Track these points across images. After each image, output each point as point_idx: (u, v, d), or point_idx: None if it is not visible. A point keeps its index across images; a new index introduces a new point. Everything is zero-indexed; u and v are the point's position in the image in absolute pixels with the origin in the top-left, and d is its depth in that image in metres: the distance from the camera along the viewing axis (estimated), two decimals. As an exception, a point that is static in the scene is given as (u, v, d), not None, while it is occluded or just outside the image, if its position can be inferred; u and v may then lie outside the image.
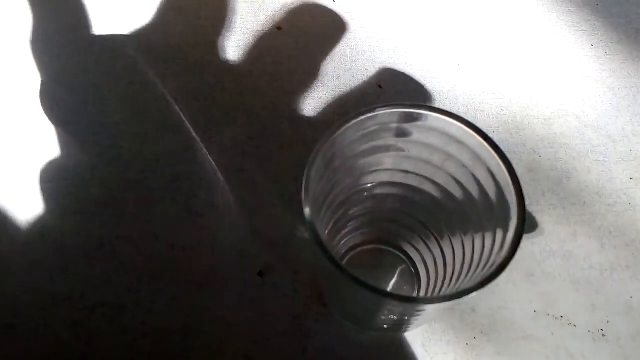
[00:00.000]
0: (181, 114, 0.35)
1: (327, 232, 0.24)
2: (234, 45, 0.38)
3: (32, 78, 0.37)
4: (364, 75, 0.37)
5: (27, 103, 0.36)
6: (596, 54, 0.38)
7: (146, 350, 0.29)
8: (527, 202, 0.20)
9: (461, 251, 0.23)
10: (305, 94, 0.36)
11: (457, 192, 0.23)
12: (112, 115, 0.35)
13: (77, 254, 0.31)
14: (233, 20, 0.39)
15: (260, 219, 0.32)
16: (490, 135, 0.21)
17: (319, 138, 0.21)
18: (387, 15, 0.40)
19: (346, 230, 0.28)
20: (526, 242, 0.31)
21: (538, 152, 0.34)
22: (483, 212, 0.22)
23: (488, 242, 0.21)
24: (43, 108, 0.36)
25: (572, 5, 0.40)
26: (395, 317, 0.24)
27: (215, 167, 0.34)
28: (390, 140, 0.23)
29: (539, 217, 0.32)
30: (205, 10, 0.40)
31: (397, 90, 0.36)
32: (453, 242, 0.24)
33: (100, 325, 0.29)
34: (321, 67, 0.37)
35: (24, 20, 0.39)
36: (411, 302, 0.19)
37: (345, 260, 0.30)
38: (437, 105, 0.35)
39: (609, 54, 0.37)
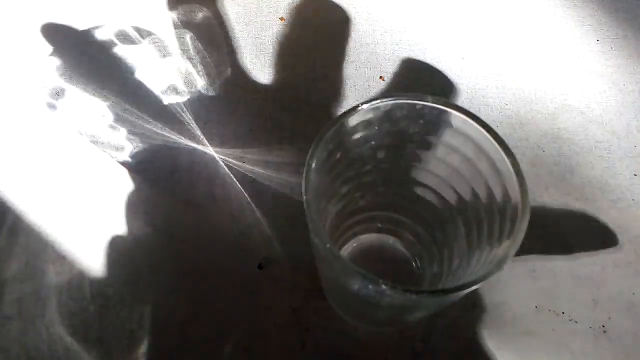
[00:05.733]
0: (182, 105, 0.35)
1: (328, 224, 0.24)
2: (236, 36, 0.38)
3: (34, 68, 0.37)
4: (366, 67, 0.37)
5: (32, 96, 0.36)
6: (602, 49, 0.37)
7: (145, 342, 0.28)
8: (529, 196, 0.20)
9: (463, 244, 0.23)
10: (307, 86, 0.36)
11: (460, 185, 0.23)
12: (114, 107, 0.35)
13: (75, 245, 0.31)
14: (235, 11, 0.39)
15: (260, 211, 0.32)
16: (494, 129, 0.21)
17: (320, 131, 0.21)
18: (390, 7, 0.39)
19: (348, 223, 0.28)
20: (527, 237, 0.31)
21: (542, 147, 0.34)
22: (485, 206, 0.22)
23: (490, 235, 0.21)
24: (45, 97, 0.35)
25: (578, 0, 0.39)
26: (395, 311, 0.23)
27: (216, 159, 0.33)
28: (393, 132, 0.23)
29: (541, 212, 0.31)
30: (206, 0, 0.39)
31: (399, 83, 0.36)
32: (455, 235, 0.24)
33: (98, 317, 0.29)
34: (323, 59, 0.37)
35: (32, 18, 0.39)
36: (409, 294, 0.19)
37: (346, 253, 0.29)
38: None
39: (614, 49, 0.37)
